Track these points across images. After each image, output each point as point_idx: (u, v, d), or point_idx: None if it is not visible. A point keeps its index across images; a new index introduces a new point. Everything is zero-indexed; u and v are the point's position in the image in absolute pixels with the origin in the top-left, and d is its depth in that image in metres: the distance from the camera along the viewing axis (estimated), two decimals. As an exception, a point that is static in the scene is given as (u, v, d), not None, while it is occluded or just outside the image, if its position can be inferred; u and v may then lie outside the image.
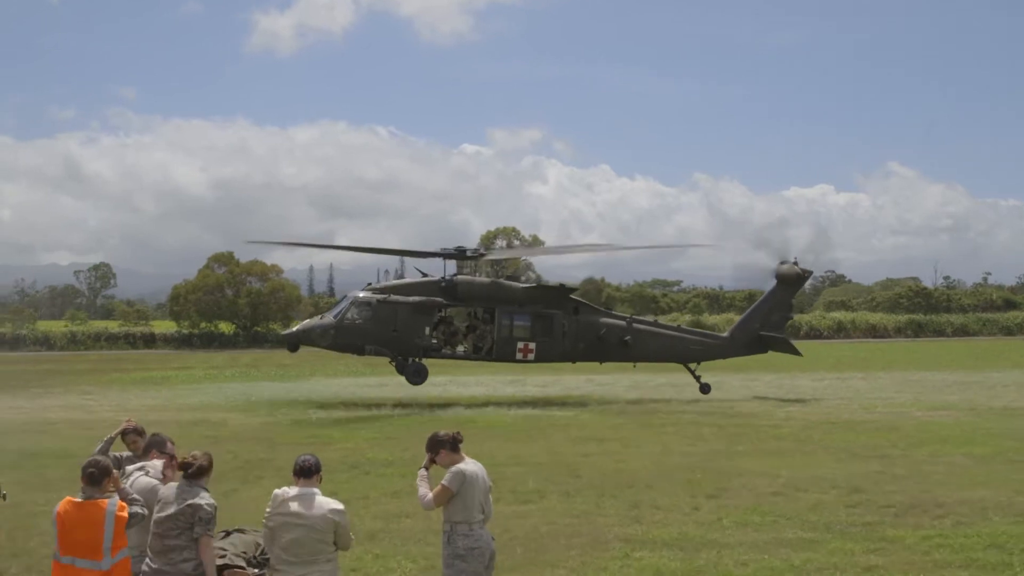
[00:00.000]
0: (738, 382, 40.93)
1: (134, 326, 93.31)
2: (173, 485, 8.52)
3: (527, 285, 36.95)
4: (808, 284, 75.01)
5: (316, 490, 8.39)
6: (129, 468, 9.38)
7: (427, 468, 9.27)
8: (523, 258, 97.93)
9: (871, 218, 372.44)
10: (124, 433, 10.58)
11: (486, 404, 33.67)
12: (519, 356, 34.62)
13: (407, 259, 44.63)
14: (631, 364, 37.39)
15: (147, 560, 8.35)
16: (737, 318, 46.11)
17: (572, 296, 35.97)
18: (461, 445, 9.23)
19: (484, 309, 34.85)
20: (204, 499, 8.32)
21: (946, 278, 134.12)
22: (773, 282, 37.80)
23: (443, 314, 34.79)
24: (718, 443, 23.41)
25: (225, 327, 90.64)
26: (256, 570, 9.58)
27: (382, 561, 12.71)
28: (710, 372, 38.61)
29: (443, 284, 33.98)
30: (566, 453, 22.01)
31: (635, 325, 36.19)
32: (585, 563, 12.62)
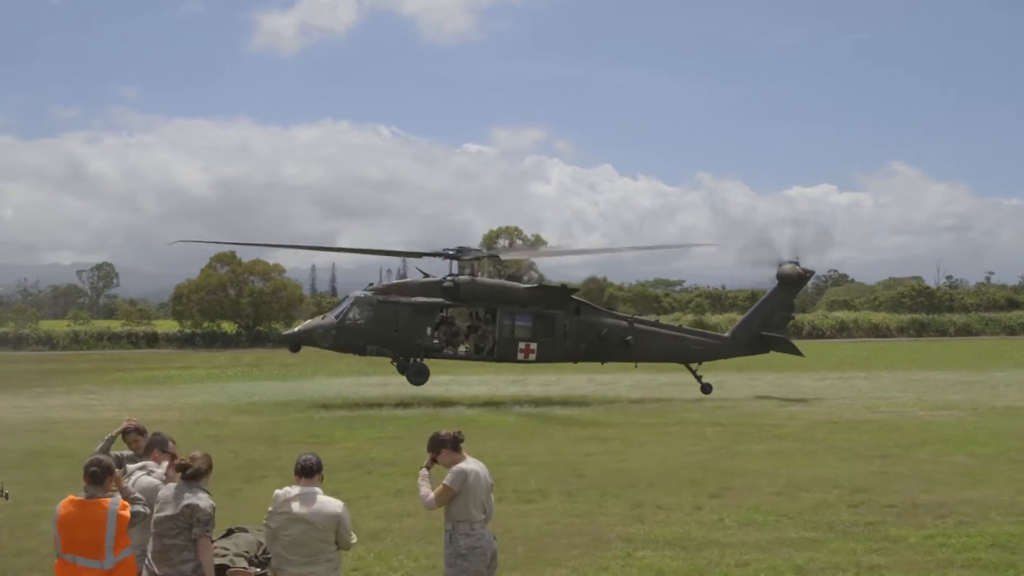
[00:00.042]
0: (740, 382, 40.93)
1: (136, 326, 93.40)
2: (172, 485, 8.52)
3: (529, 285, 36.96)
4: (811, 284, 75.06)
5: (318, 489, 8.39)
6: (131, 467, 9.39)
7: (429, 468, 9.28)
8: (525, 258, 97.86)
9: (874, 217, 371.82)
10: (125, 432, 10.58)
11: (488, 403, 33.67)
12: (520, 356, 34.64)
13: (409, 259, 44.59)
14: (632, 364, 37.40)
15: (147, 560, 8.35)
16: (739, 317, 46.06)
17: (574, 296, 35.99)
18: (462, 444, 9.23)
19: (486, 309, 34.85)
20: (203, 500, 8.31)
21: (949, 277, 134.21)
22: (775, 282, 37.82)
23: (444, 314, 34.80)
24: (720, 443, 23.40)
25: (227, 326, 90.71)
26: (258, 569, 9.58)
27: (384, 560, 12.71)
28: (712, 372, 38.61)
29: (445, 284, 33.99)
30: (568, 453, 22.01)
31: (636, 325, 36.19)
32: (587, 562, 12.61)
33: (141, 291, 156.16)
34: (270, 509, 8.39)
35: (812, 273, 39.46)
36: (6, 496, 11.69)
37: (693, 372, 36.22)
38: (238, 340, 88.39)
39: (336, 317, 33.87)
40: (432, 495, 9.01)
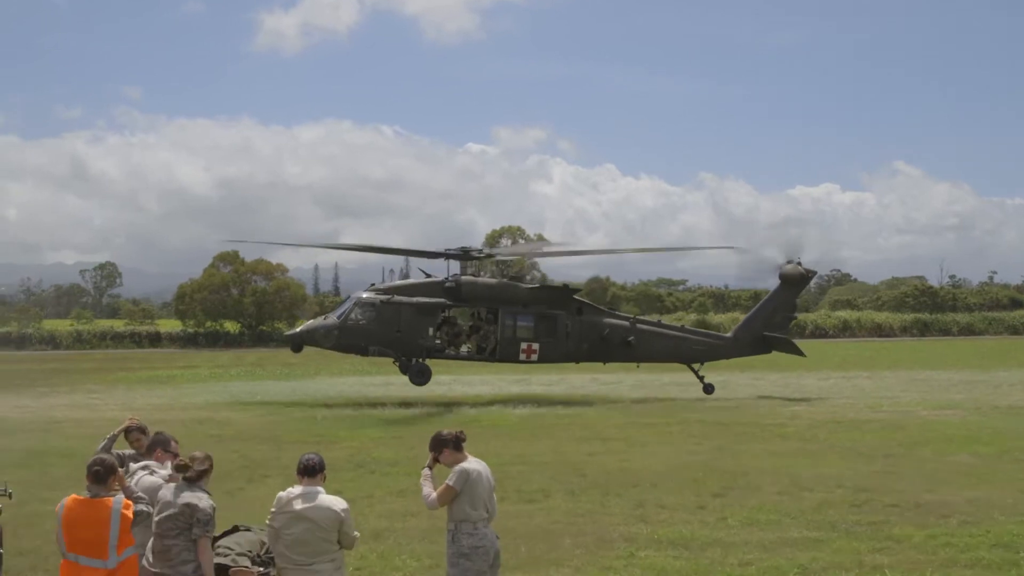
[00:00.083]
0: (743, 381, 40.92)
1: (139, 325, 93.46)
2: (172, 485, 8.52)
3: (531, 286, 36.97)
4: (814, 283, 75.01)
5: (320, 489, 8.40)
6: (133, 466, 9.39)
7: (431, 467, 9.28)
8: (528, 258, 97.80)
9: (877, 217, 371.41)
10: (127, 431, 10.58)
11: (491, 403, 33.68)
12: (522, 357, 34.66)
13: (412, 259, 44.63)
14: (635, 364, 37.42)
15: (147, 560, 8.35)
16: (742, 317, 46.07)
17: (575, 297, 36.00)
18: (464, 444, 9.23)
19: (488, 310, 34.86)
20: (203, 500, 8.31)
21: (952, 277, 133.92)
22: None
23: (446, 315, 34.82)
24: (723, 442, 23.38)
25: (230, 326, 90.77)
26: (261, 569, 9.58)
27: (387, 560, 12.71)
28: (715, 371, 38.58)
29: (447, 284, 34.01)
30: (571, 452, 22.00)
31: (638, 325, 36.18)
32: (590, 562, 12.61)
33: (144, 290, 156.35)
34: (273, 508, 8.40)
35: (814, 273, 39.45)
36: (9, 495, 11.72)
37: (695, 372, 36.21)
38: (241, 340, 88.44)
39: (338, 317, 33.90)
40: (434, 495, 9.01)
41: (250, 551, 9.84)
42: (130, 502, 8.10)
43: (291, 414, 30.48)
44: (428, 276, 35.44)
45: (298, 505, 8.26)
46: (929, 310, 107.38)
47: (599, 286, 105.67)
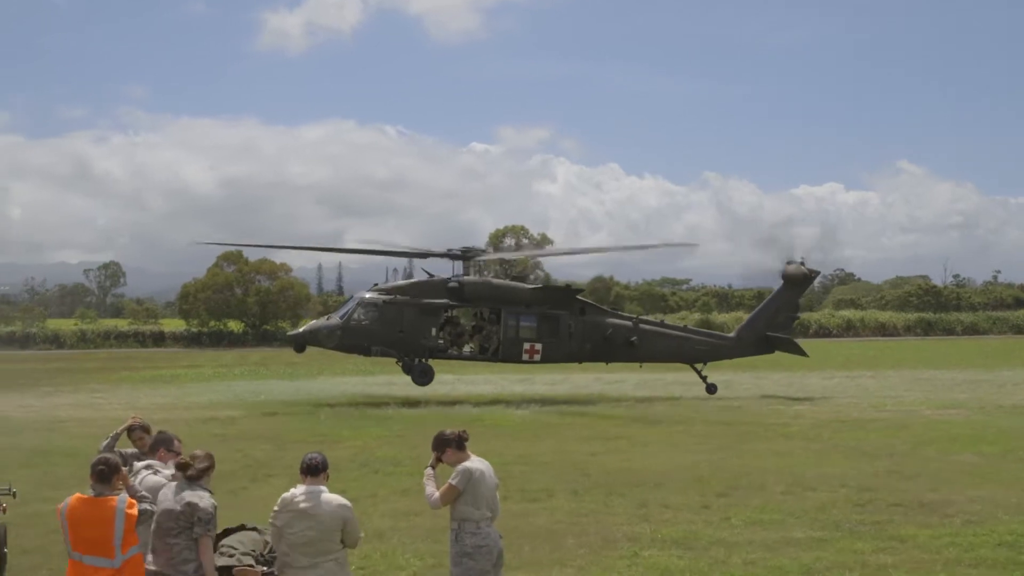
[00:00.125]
0: (747, 381, 40.89)
1: (143, 324, 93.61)
2: (173, 484, 8.52)
3: (533, 286, 36.97)
4: (817, 282, 74.90)
5: (323, 488, 8.39)
6: (137, 465, 9.39)
7: (433, 467, 9.27)
8: (531, 258, 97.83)
9: (880, 216, 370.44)
10: (130, 430, 10.58)
11: (494, 402, 33.69)
12: (525, 357, 34.67)
13: (415, 259, 44.63)
14: (638, 364, 37.45)
15: (148, 559, 8.35)
16: (746, 316, 46.09)
17: (578, 297, 36.02)
18: (467, 443, 9.22)
19: (490, 310, 34.87)
20: (204, 499, 8.31)
21: (956, 276, 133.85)
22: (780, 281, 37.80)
23: (449, 315, 34.83)
24: (727, 442, 23.38)
25: (234, 325, 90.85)
26: (264, 568, 9.59)
27: (390, 559, 12.72)
28: (719, 371, 38.56)
29: (450, 285, 34.02)
30: (574, 452, 22.01)
31: (641, 326, 36.18)
32: (593, 562, 12.61)
33: (148, 290, 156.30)
34: (276, 507, 8.39)
35: (817, 273, 39.44)
36: (14, 495, 11.75)
37: (698, 372, 36.20)
38: (245, 339, 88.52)
39: (341, 317, 33.93)
40: (437, 494, 9.01)
41: (254, 550, 9.85)
42: (134, 501, 8.10)
43: (294, 413, 30.50)
44: (431, 276, 35.45)
45: (301, 504, 8.25)
46: (933, 309, 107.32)
47: (602, 285, 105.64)
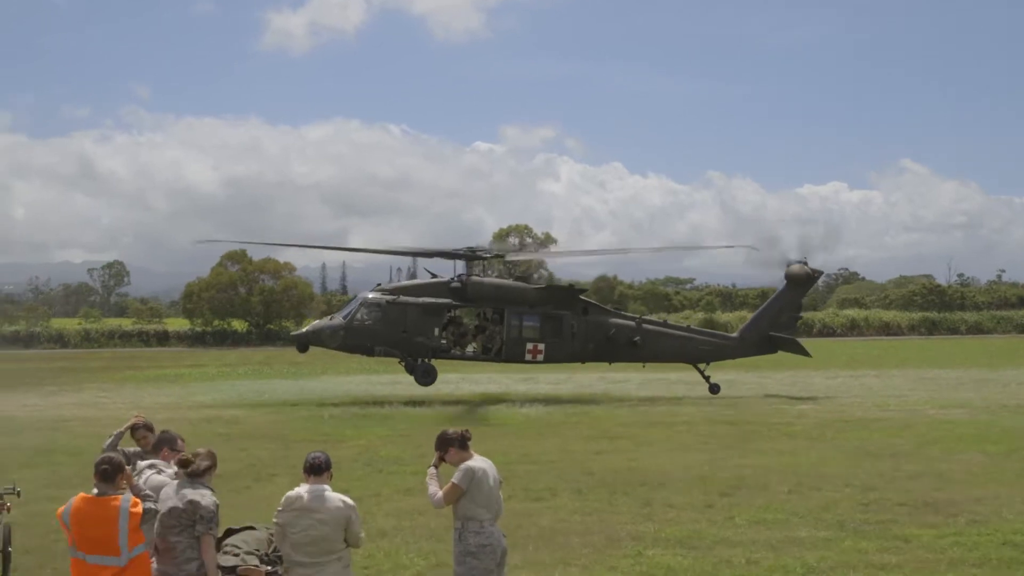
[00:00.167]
0: (750, 380, 40.86)
1: (147, 324, 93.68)
2: (175, 483, 8.52)
3: (536, 286, 36.96)
4: (821, 281, 74.83)
5: (327, 487, 8.39)
6: (140, 465, 9.40)
7: (436, 466, 9.27)
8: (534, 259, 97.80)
9: (884, 215, 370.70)
10: (134, 428, 10.60)
11: (498, 401, 33.68)
12: (528, 357, 34.67)
13: (418, 259, 44.64)
14: (640, 364, 37.47)
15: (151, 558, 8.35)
16: (750, 316, 46.07)
17: (581, 297, 36.02)
18: (470, 443, 9.22)
19: (493, 310, 34.87)
20: (206, 497, 8.31)
21: (960, 275, 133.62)
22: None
23: (452, 315, 34.84)
24: (730, 441, 23.36)
25: (238, 325, 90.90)
26: (269, 567, 9.59)
27: (394, 558, 12.72)
28: (722, 371, 38.54)
29: (452, 285, 34.02)
30: (578, 451, 22.00)
31: (644, 326, 36.18)
32: (597, 561, 12.61)
33: (152, 289, 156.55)
34: (279, 507, 8.40)
35: (821, 273, 39.42)
36: (18, 494, 11.77)
37: (701, 372, 36.19)
38: (248, 338, 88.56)
39: (344, 318, 33.95)
40: (440, 493, 9.00)
41: (257, 550, 9.85)
42: (138, 500, 8.11)
43: (298, 413, 30.52)
44: (434, 276, 35.46)
45: (304, 504, 8.26)
46: (937, 309, 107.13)
47: (606, 284, 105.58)
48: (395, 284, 35.77)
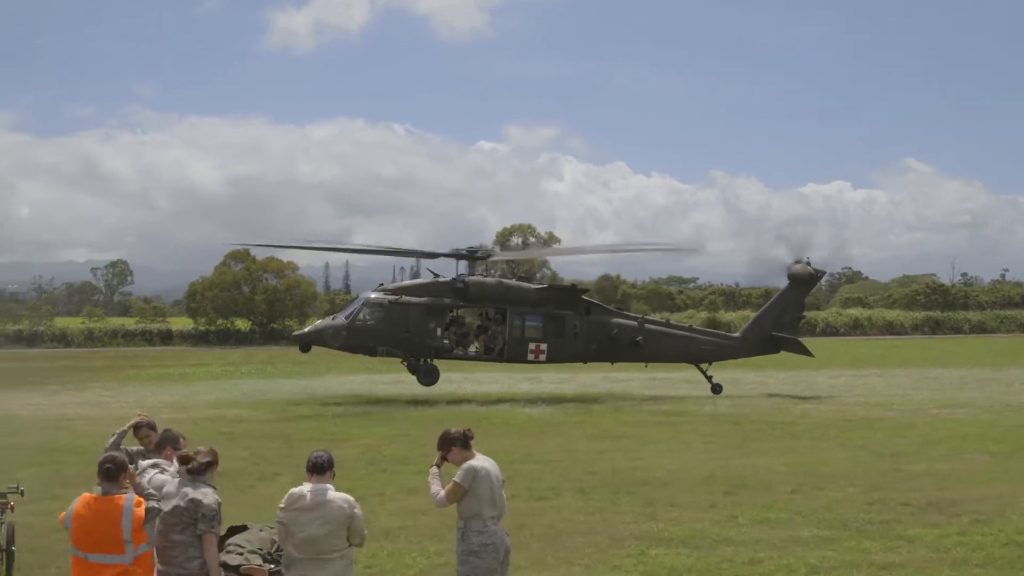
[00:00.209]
0: (753, 380, 40.85)
1: (151, 323, 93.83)
2: (176, 481, 8.52)
3: (539, 286, 36.96)
4: (824, 281, 74.85)
5: (329, 486, 8.39)
6: (143, 464, 9.40)
7: (439, 466, 9.27)
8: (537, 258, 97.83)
9: (888, 214, 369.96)
10: (137, 427, 10.60)
11: (501, 401, 33.69)
12: (531, 357, 34.68)
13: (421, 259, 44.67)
14: (643, 364, 37.49)
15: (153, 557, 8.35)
16: (753, 315, 46.09)
17: (584, 296, 36.02)
18: (472, 442, 9.22)
19: (496, 310, 34.88)
20: (207, 495, 8.31)
21: (964, 275, 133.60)
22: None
23: (454, 315, 34.85)
24: (733, 441, 23.36)
25: (242, 324, 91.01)
26: (272, 566, 9.60)
27: (397, 558, 12.72)
28: (725, 370, 38.53)
29: (455, 285, 34.03)
30: (581, 450, 22.00)
31: (646, 326, 36.18)
32: (600, 560, 12.60)
33: (155, 288, 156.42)
34: (281, 506, 8.40)
35: (823, 273, 39.42)
36: (22, 493, 11.79)
37: (703, 372, 36.19)
38: (252, 337, 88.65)
39: (346, 318, 33.96)
40: (443, 492, 9.00)
41: (261, 549, 9.86)
42: (141, 499, 8.11)
43: (301, 412, 30.54)
44: (436, 276, 35.47)
45: (308, 502, 8.26)
46: (941, 308, 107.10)
47: (609, 284, 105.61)
48: (397, 284, 35.77)
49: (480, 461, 9.08)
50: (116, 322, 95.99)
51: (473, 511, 8.90)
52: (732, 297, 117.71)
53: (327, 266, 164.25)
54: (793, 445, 22.56)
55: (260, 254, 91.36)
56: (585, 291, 37.52)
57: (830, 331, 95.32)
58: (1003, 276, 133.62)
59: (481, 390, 37.90)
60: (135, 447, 10.48)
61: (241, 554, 9.58)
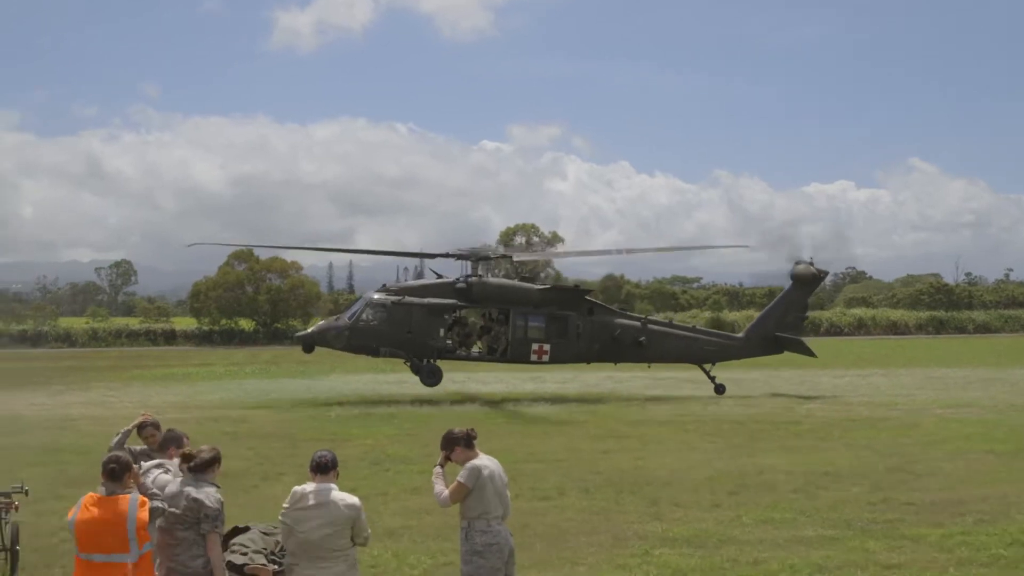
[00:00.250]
0: (757, 379, 40.82)
1: (155, 323, 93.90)
2: (179, 480, 8.53)
3: (542, 286, 36.96)
4: (828, 280, 74.82)
5: (333, 486, 8.40)
6: (147, 464, 9.42)
7: (442, 465, 9.28)
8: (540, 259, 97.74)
9: (892, 214, 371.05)
10: (141, 427, 10.62)
11: (505, 400, 33.69)
12: (534, 357, 34.67)
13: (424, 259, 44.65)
14: (646, 364, 37.48)
15: (156, 557, 8.36)
16: (757, 315, 46.09)
17: (587, 297, 36.01)
18: (475, 441, 9.22)
19: (499, 310, 34.87)
20: (209, 494, 8.31)
21: (968, 274, 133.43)
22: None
23: (457, 315, 34.85)
24: (737, 440, 23.34)
25: (245, 324, 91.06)
26: (276, 567, 9.60)
27: (401, 558, 12.72)
28: (729, 369, 38.51)
29: (458, 285, 34.02)
30: (585, 450, 21.99)
31: (649, 326, 36.17)
32: (604, 560, 12.60)
33: (159, 288, 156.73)
34: (285, 505, 8.40)
35: (827, 273, 39.39)
36: (26, 493, 11.80)
37: (706, 372, 36.19)
38: (256, 337, 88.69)
39: (349, 318, 33.95)
40: (446, 492, 9.00)
41: (265, 548, 9.86)
42: (146, 499, 8.12)
43: (305, 412, 30.55)
44: (439, 276, 35.46)
45: (311, 503, 8.26)
46: (944, 308, 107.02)
47: (613, 284, 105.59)
48: (400, 284, 35.76)
49: (484, 461, 9.08)
50: (120, 322, 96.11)
51: (477, 511, 8.90)
52: (736, 297, 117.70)
53: (331, 266, 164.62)
54: (797, 445, 22.54)
55: (264, 254, 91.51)
56: (588, 291, 37.49)
57: (834, 331, 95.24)
58: (1007, 276, 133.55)
59: (485, 390, 37.91)
60: (138, 447, 10.50)
61: (245, 554, 9.59)
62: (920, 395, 33.97)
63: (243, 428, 26.32)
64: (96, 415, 29.23)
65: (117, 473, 8.08)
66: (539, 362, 35.31)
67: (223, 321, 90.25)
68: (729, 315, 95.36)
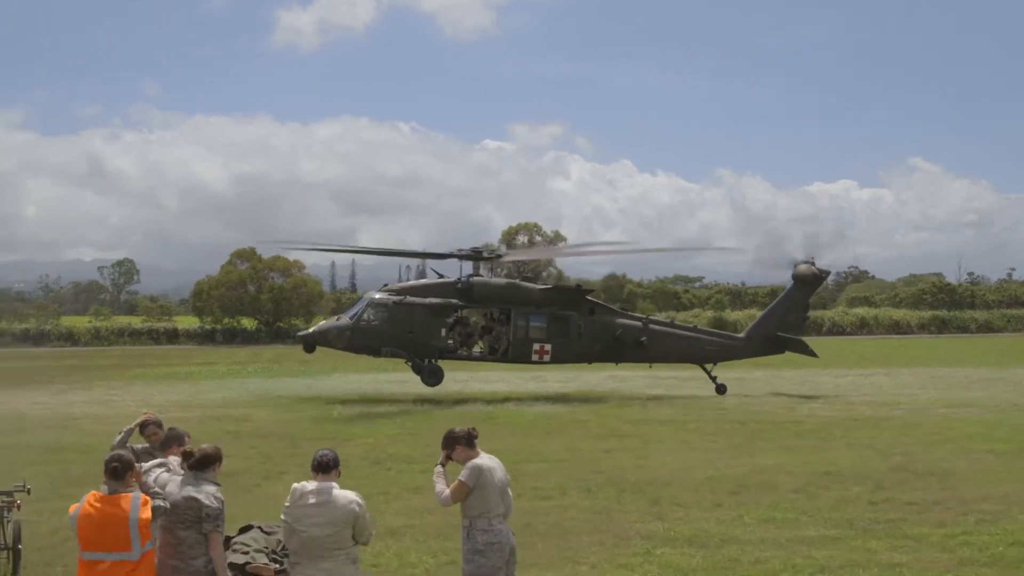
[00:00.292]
0: (759, 379, 40.81)
1: (157, 322, 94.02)
2: (179, 479, 8.53)
3: (543, 286, 36.96)
4: (831, 280, 74.76)
5: (334, 484, 8.40)
6: (149, 464, 9.43)
7: (443, 465, 9.28)
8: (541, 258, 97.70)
9: (894, 213, 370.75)
10: (143, 425, 10.63)
11: (506, 400, 33.69)
12: (535, 357, 34.67)
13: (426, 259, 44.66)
14: (647, 364, 37.48)
15: (157, 556, 8.36)
16: (759, 314, 46.09)
17: (588, 297, 36.01)
18: (477, 441, 9.22)
19: (500, 310, 34.87)
20: (209, 493, 8.31)
21: (970, 274, 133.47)
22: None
23: (459, 315, 34.85)
24: (739, 440, 23.33)
25: (247, 323, 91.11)
26: (277, 565, 9.62)
27: (403, 557, 12.73)
28: (731, 369, 38.48)
29: (459, 285, 34.02)
30: (587, 450, 21.99)
31: (651, 326, 36.16)
32: (606, 559, 12.60)
33: (162, 287, 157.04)
34: (287, 504, 8.40)
35: (828, 273, 39.37)
36: (28, 491, 11.81)
37: (708, 372, 36.18)
38: (258, 336, 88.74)
39: (351, 318, 33.95)
40: (448, 491, 9.01)
41: (267, 548, 9.89)
42: (148, 498, 8.13)
43: (307, 411, 30.55)
44: (441, 276, 35.46)
45: (312, 501, 8.26)
46: (947, 307, 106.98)
47: (615, 283, 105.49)
48: (401, 284, 35.77)
49: (485, 460, 9.09)
50: (122, 321, 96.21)
51: (478, 510, 8.90)
52: (738, 296, 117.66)
53: (333, 265, 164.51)
54: (799, 445, 22.53)
55: (266, 253, 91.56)
56: (590, 291, 37.48)
57: (836, 330, 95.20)
58: (1009, 275, 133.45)
59: (486, 389, 37.91)
60: (141, 445, 10.51)
61: (247, 553, 9.61)
62: (922, 395, 33.95)
63: (245, 427, 26.33)
64: (98, 414, 29.26)
65: (119, 472, 8.08)
66: (540, 362, 35.32)
67: (225, 320, 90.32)
68: (731, 314, 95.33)
